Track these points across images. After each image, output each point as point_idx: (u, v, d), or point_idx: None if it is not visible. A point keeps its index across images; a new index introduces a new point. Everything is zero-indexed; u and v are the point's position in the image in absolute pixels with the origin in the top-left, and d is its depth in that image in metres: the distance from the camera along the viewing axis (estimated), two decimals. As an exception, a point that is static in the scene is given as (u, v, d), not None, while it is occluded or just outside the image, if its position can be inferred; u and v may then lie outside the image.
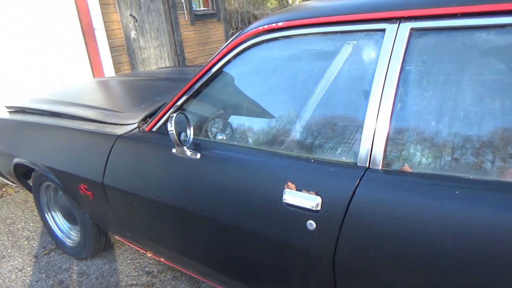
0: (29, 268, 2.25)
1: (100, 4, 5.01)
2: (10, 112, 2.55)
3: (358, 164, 1.07)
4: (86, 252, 2.20)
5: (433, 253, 0.91)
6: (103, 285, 2.06)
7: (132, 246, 2.00)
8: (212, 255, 1.43)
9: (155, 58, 5.98)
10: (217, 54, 1.41)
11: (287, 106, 1.31)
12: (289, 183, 1.14)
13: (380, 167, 1.04)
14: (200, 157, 1.36)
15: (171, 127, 1.30)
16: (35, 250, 2.41)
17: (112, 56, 5.24)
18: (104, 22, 5.11)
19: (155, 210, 1.54)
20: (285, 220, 1.14)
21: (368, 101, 1.07)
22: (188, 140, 1.37)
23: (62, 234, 2.36)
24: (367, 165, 1.06)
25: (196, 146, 1.41)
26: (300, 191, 1.11)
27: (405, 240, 0.95)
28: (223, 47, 1.40)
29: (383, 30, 1.08)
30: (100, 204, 1.80)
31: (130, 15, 5.47)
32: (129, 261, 2.24)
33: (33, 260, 2.31)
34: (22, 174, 2.38)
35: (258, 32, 1.31)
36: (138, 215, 1.64)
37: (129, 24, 5.46)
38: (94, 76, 5.15)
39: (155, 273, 2.12)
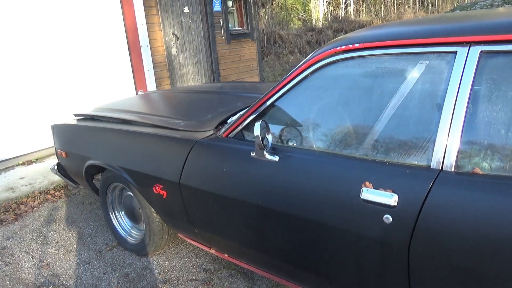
0: (95, 262, 2.44)
1: (147, 23, 5.37)
2: (78, 119, 2.81)
3: (431, 167, 1.23)
4: (149, 249, 2.38)
5: (504, 249, 1.05)
6: (165, 279, 2.23)
7: (194, 243, 2.17)
8: (289, 249, 1.59)
9: (193, 74, 6.27)
10: (295, 70, 1.60)
11: (362, 116, 1.48)
12: (366, 182, 1.30)
13: (452, 170, 1.19)
14: (279, 159, 1.54)
15: (257, 132, 1.49)
16: (99, 246, 2.61)
17: (154, 72, 5.56)
18: (149, 40, 5.45)
19: (232, 207, 1.71)
20: (362, 215, 1.30)
21: (441, 113, 1.23)
22: (268, 145, 1.55)
23: (124, 233, 2.55)
24: (440, 168, 1.21)
25: (274, 150, 1.59)
26: (377, 189, 1.27)
27: (477, 236, 1.09)
28: (301, 63, 1.60)
29: (455, 52, 1.25)
30: (172, 203, 1.99)
31: (173, 33, 5.80)
32: (186, 259, 2.41)
33: (98, 255, 2.51)
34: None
35: (336, 52, 1.49)
36: (213, 212, 1.81)
37: (171, 42, 5.79)
38: (136, 90, 5.46)
39: (212, 271, 2.28)
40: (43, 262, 2.46)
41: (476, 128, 1.19)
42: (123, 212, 2.57)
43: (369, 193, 1.29)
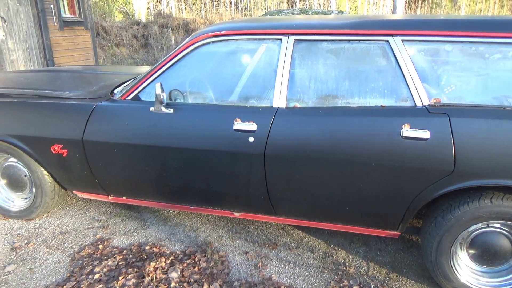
0: (-21, 232, 2.51)
1: (-33, 1, 4.88)
2: None
3: (273, 106, 2.08)
4: (38, 212, 2.60)
5: (313, 149, 1.97)
6: (63, 232, 2.53)
7: (90, 195, 2.54)
8: (184, 176, 2.20)
9: (24, 61, 5.92)
10: (178, 49, 2.23)
11: (229, 79, 2.23)
12: (237, 118, 2.06)
13: (284, 107, 2.06)
14: (173, 111, 2.16)
15: (158, 91, 2.07)
16: (-24, 219, 2.64)
17: (-20, 55, 5.09)
18: (-28, 20, 4.96)
19: (135, 152, 2.22)
20: (234, 139, 2.06)
21: (276, 75, 2.09)
22: (164, 101, 2.15)
23: (6, 202, 2.66)
24: (278, 106, 2.07)
25: (167, 105, 2.19)
26: (243, 122, 2.05)
27: (295, 142, 1.98)
28: (182, 44, 2.24)
29: (281, 39, 2.12)
30: (73, 159, 2.34)
31: (-2, 15, 5.39)
32: (77, 216, 2.73)
33: (-21, 226, 2.56)
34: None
35: (208, 36, 2.20)
36: (116, 160, 2.27)
37: (-3, 24, 5.37)
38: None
39: (105, 220, 2.69)
40: None
41: (295, 82, 2.10)
42: (4, 183, 2.67)
43: (239, 125, 2.05)
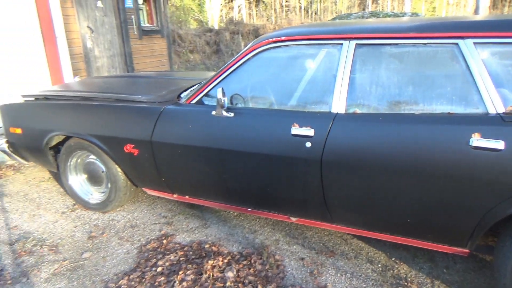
0: (63, 220, 2.80)
1: (62, 15, 5.48)
2: (27, 100, 3.09)
3: (331, 111, 2.05)
4: (113, 205, 2.84)
5: (366, 155, 1.91)
6: (133, 225, 2.73)
7: (157, 193, 2.72)
8: (242, 179, 2.27)
9: (108, 67, 6.49)
10: (240, 54, 2.30)
11: (289, 84, 2.25)
12: (295, 123, 2.07)
13: (343, 112, 2.03)
14: (234, 115, 2.23)
15: (219, 95, 2.16)
16: (61, 209, 2.96)
17: (71, 63, 5.68)
18: (65, 32, 5.56)
19: (198, 154, 2.33)
20: (292, 144, 2.07)
21: (335, 80, 2.06)
22: (225, 105, 2.23)
23: (86, 195, 2.95)
24: (337, 111, 2.04)
25: (228, 109, 2.27)
26: (301, 127, 2.05)
27: (353, 149, 1.94)
28: (244, 50, 2.31)
29: (341, 44, 2.09)
30: (142, 158, 2.52)
31: (87, 26, 5.97)
32: (146, 211, 2.93)
33: (62, 215, 2.87)
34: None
35: (269, 42, 2.24)
36: (181, 160, 2.40)
37: (86, 35, 5.95)
38: (52, 81, 5.53)
39: (170, 217, 2.86)
40: (9, 225, 2.73)
41: (355, 87, 2.05)
42: (85, 177, 2.96)
43: (296, 130, 2.06)
